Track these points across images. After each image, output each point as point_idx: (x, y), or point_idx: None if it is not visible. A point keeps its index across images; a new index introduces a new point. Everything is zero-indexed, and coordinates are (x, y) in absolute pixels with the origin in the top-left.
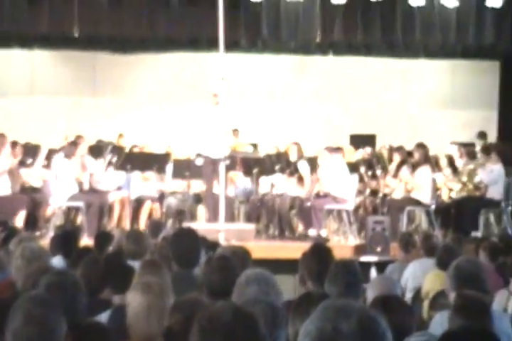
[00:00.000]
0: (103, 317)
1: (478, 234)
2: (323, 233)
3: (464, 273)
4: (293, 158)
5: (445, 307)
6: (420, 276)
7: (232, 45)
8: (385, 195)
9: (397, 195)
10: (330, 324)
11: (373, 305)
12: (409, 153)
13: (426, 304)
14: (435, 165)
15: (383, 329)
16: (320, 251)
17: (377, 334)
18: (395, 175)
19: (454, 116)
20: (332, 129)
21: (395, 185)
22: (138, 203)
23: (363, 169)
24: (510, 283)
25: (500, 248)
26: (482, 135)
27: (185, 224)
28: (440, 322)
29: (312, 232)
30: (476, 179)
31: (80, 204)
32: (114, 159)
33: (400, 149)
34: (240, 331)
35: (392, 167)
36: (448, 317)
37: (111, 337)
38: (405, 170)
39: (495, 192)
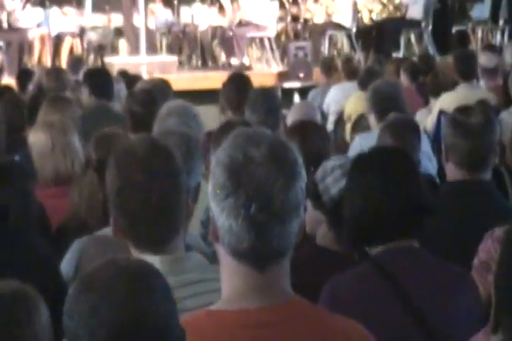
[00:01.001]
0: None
1: (399, 54)
2: (246, 61)
3: (382, 94)
4: None
5: (367, 129)
6: (342, 100)
7: None
8: (306, 21)
9: (319, 19)
10: (241, 151)
11: (290, 130)
12: None
13: (348, 127)
14: None
15: (294, 156)
16: (238, 79)
17: (287, 160)
18: (316, 1)
19: None
20: None
21: (316, 10)
22: (58, 40)
23: None
24: (429, 102)
25: (420, 67)
26: None
27: (107, 59)
28: (359, 144)
29: (235, 61)
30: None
31: None
32: None
33: None
34: (155, 163)
35: None
36: (378, 138)
37: (24, 175)
38: None
39: (415, 12)
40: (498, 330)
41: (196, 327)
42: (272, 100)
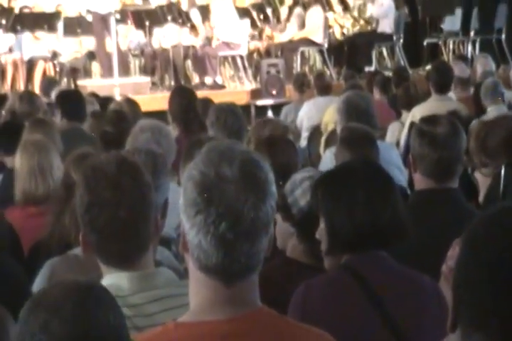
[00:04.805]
0: None
1: (371, 68)
2: (219, 80)
3: (351, 106)
4: (184, 7)
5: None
6: (315, 115)
7: None
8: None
9: (289, 36)
10: (213, 168)
11: (257, 145)
12: None
13: (323, 139)
14: (326, 3)
15: (266, 174)
16: (181, 91)
17: (259, 178)
18: (288, 19)
19: None
20: None
21: (288, 28)
22: (31, 64)
23: (254, 13)
24: (402, 115)
25: (391, 80)
26: None
27: (80, 82)
28: (330, 158)
29: (208, 80)
30: (367, 13)
31: None
32: (3, 21)
33: None
34: (123, 179)
35: (284, 10)
36: (335, 152)
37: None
38: (297, 10)
39: (386, 26)
40: (455, 329)
41: (165, 338)
42: (236, 116)
